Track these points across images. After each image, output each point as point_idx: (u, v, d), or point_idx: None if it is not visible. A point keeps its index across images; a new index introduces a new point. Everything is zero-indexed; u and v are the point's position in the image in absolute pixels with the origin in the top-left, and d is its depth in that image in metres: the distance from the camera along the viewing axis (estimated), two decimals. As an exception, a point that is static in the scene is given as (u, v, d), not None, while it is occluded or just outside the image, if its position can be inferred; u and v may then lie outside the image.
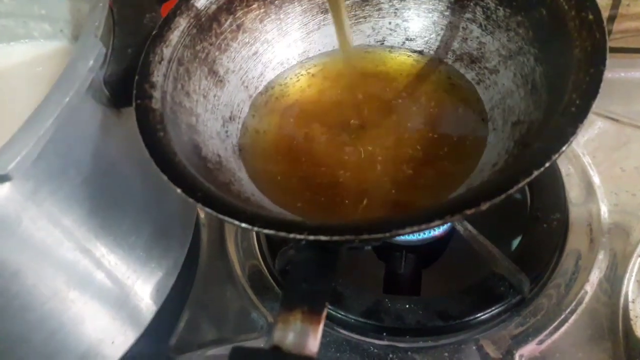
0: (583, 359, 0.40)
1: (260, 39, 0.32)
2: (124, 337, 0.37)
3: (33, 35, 0.43)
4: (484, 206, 0.22)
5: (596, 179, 0.48)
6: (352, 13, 0.34)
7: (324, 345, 0.42)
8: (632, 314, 0.41)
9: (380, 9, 0.34)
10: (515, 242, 0.45)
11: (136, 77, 0.28)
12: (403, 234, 0.23)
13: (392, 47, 0.34)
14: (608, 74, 0.54)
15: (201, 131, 0.29)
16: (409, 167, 0.30)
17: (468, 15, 0.32)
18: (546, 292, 0.43)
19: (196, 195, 0.25)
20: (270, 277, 0.47)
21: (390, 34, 0.34)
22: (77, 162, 0.29)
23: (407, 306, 0.42)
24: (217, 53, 0.31)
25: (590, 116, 0.52)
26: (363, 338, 0.42)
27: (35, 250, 0.28)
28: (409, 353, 0.41)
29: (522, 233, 0.45)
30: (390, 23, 0.34)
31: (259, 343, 0.43)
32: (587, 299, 0.42)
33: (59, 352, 0.33)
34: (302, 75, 0.33)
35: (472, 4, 0.32)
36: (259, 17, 0.32)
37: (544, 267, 0.43)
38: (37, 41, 0.43)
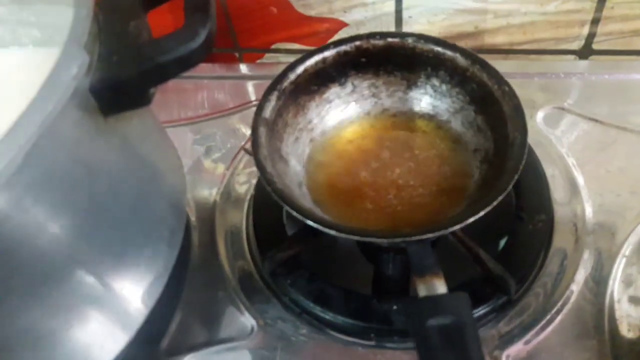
0: (569, 358, 0.40)
1: (299, 128, 0.48)
2: (114, 342, 0.37)
3: (22, 42, 0.43)
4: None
5: (581, 180, 0.49)
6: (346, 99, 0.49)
7: (311, 345, 0.43)
8: (617, 314, 0.41)
9: (363, 95, 0.49)
10: (501, 243, 0.45)
11: (260, 172, 0.40)
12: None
13: (375, 115, 0.50)
14: (592, 77, 0.56)
15: (292, 188, 0.43)
16: (418, 190, 0.45)
17: (422, 91, 0.48)
18: (532, 292, 0.43)
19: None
20: (260, 280, 0.47)
21: (373, 107, 0.50)
22: (62, 169, 0.29)
23: (394, 307, 0.42)
24: (279, 144, 0.45)
25: (575, 118, 0.53)
26: (351, 339, 0.43)
27: (21, 257, 0.28)
28: (397, 353, 0.42)
29: (508, 234, 0.46)
30: (370, 102, 0.50)
31: (250, 345, 0.43)
32: (573, 298, 0.43)
33: (48, 357, 0.33)
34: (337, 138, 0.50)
35: (423, 84, 0.48)
36: (301, 120, 0.48)
37: (529, 268, 0.44)
38: (26, 47, 0.43)
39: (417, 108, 0.49)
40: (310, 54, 0.46)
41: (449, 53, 0.45)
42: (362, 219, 0.44)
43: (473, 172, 0.45)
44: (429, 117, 0.48)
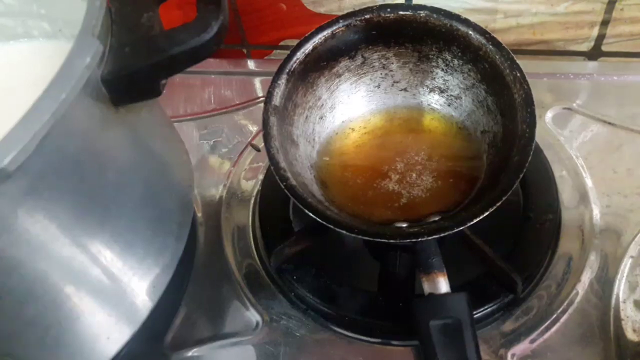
0: (575, 358, 0.40)
1: (309, 106, 0.47)
2: (120, 334, 0.37)
3: (32, 34, 0.44)
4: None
5: (589, 181, 0.49)
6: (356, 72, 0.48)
7: (318, 342, 0.43)
8: (622, 315, 0.41)
9: (373, 66, 0.48)
10: (508, 242, 0.45)
11: (273, 168, 0.40)
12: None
13: (385, 89, 0.49)
14: (601, 78, 0.56)
15: (304, 176, 0.43)
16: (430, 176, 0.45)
17: (433, 64, 0.47)
18: (538, 292, 0.43)
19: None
20: (266, 276, 0.47)
21: (383, 80, 0.49)
22: (74, 158, 0.29)
23: (400, 305, 0.42)
24: (289, 128, 0.45)
25: (584, 119, 0.53)
26: (356, 335, 0.43)
27: (31, 245, 0.28)
28: (402, 350, 0.42)
29: (515, 234, 0.45)
30: (381, 73, 0.49)
31: (255, 341, 0.43)
32: (578, 299, 0.42)
33: (54, 347, 0.33)
34: (350, 129, 0.49)
35: (434, 57, 0.47)
36: (310, 98, 0.47)
37: (536, 268, 0.44)
38: (37, 40, 0.43)
39: (428, 81, 0.48)
40: (318, 30, 0.45)
41: (462, 29, 0.44)
42: (370, 201, 0.44)
43: (482, 154, 0.44)
44: (440, 92, 0.48)
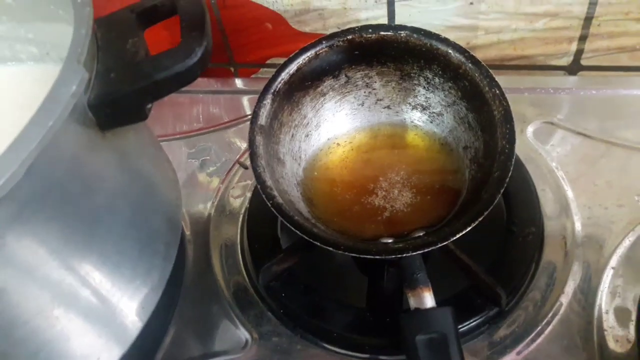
0: (561, 369, 0.41)
1: (295, 125, 0.48)
2: (109, 354, 0.37)
3: (20, 58, 0.44)
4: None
5: (570, 194, 0.49)
6: (340, 90, 0.50)
7: (306, 358, 0.43)
8: (605, 325, 0.42)
9: (356, 85, 0.49)
10: (492, 256, 0.46)
11: (260, 187, 0.41)
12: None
13: (369, 106, 0.50)
14: (580, 92, 0.57)
15: (290, 194, 0.44)
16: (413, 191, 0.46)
17: (415, 82, 0.48)
18: (523, 304, 0.44)
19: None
20: (254, 293, 0.48)
21: (367, 98, 0.50)
22: (61, 183, 0.29)
23: (388, 320, 0.43)
24: (276, 147, 0.45)
25: (564, 133, 0.54)
26: (345, 351, 0.43)
27: (19, 268, 0.28)
28: (390, 366, 0.43)
29: (499, 247, 0.46)
30: (364, 92, 0.50)
31: (244, 359, 0.44)
32: (562, 310, 0.43)
33: (44, 370, 0.33)
34: (336, 145, 0.50)
35: (416, 75, 0.48)
36: (296, 116, 0.48)
37: (520, 279, 0.44)
38: (25, 64, 0.44)
39: (410, 99, 0.49)
40: (302, 51, 0.46)
41: (442, 48, 0.45)
42: (356, 217, 0.45)
43: (464, 169, 0.45)
44: (422, 109, 0.49)
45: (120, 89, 0.31)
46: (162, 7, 0.35)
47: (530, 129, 0.55)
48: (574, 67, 0.61)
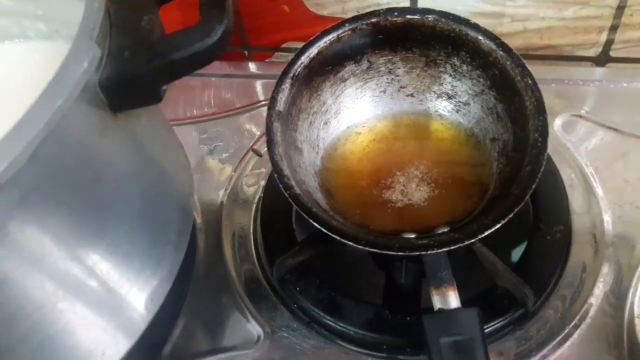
0: (587, 375, 0.39)
1: (313, 111, 0.46)
2: (116, 348, 0.36)
3: (28, 35, 0.42)
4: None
5: (599, 191, 0.48)
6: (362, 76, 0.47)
7: (320, 356, 0.42)
8: (637, 329, 0.40)
9: (379, 71, 0.47)
10: (518, 253, 0.44)
11: (277, 176, 0.39)
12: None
13: (392, 94, 0.48)
14: (610, 84, 0.55)
15: (308, 184, 0.42)
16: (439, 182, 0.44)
17: (441, 69, 0.46)
18: (550, 305, 0.42)
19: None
20: (267, 286, 0.46)
21: (389, 85, 0.48)
22: (69, 167, 0.27)
23: (407, 319, 0.41)
24: (293, 134, 0.43)
25: (592, 126, 0.52)
26: (362, 350, 0.42)
27: (23, 258, 0.27)
28: (409, 366, 0.41)
29: (525, 245, 0.45)
30: (387, 78, 0.47)
31: (256, 355, 0.42)
32: (591, 312, 0.41)
33: (48, 363, 0.32)
34: (356, 134, 0.48)
35: (442, 62, 0.45)
36: (315, 103, 0.46)
37: (547, 280, 0.43)
38: (33, 41, 0.42)
39: (435, 87, 0.47)
40: (324, 34, 0.44)
41: (471, 34, 0.43)
42: (376, 210, 0.43)
43: (491, 162, 0.43)
44: (448, 98, 0.47)
45: (135, 69, 0.29)
46: (179, -18, 0.33)
47: (557, 122, 0.53)
48: (603, 59, 0.59)
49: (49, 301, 0.29)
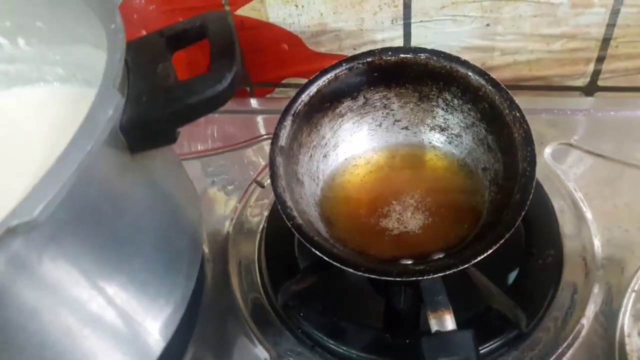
0: (581, 393, 0.41)
1: (313, 145, 0.49)
2: (132, 374, 0.38)
3: (47, 79, 0.45)
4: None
5: (589, 215, 0.49)
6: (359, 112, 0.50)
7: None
8: (627, 348, 0.41)
9: (375, 106, 0.50)
10: (511, 277, 0.46)
11: (280, 208, 0.41)
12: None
13: (387, 127, 0.51)
14: (598, 113, 0.57)
15: (309, 214, 0.44)
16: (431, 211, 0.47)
17: (433, 103, 0.48)
18: (543, 326, 0.44)
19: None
20: (272, 312, 0.48)
21: (385, 119, 0.50)
22: (93, 204, 0.30)
23: (407, 341, 0.43)
24: (295, 167, 0.46)
25: (582, 154, 0.54)
26: (365, 372, 0.43)
27: (52, 289, 0.29)
28: (410, 387, 0.42)
29: (518, 268, 0.46)
30: (382, 113, 0.50)
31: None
32: (583, 332, 0.43)
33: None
34: (354, 166, 0.51)
35: (435, 97, 0.48)
36: (314, 137, 0.49)
37: (540, 302, 0.44)
38: (51, 85, 0.45)
39: (428, 120, 0.49)
40: (322, 73, 0.47)
41: (461, 70, 0.45)
42: (374, 238, 0.45)
43: (483, 191, 0.46)
44: (440, 130, 0.49)
45: (153, 113, 0.32)
46: (192, 31, 0.36)
47: (547, 150, 0.55)
48: (591, 88, 0.61)
49: (74, 328, 0.31)
